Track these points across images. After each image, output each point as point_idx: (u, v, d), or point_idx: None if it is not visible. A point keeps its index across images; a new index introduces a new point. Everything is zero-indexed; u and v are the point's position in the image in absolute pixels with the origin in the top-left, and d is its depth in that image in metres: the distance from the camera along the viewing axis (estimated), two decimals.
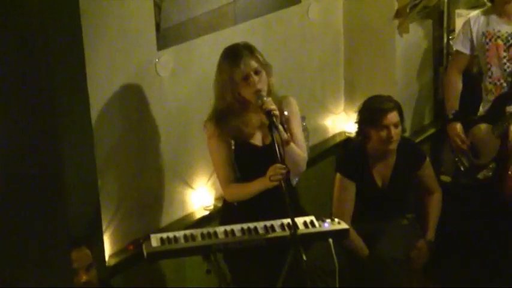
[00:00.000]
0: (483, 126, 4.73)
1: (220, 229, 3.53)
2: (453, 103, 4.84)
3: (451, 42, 5.32)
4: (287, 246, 3.45)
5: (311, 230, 3.54)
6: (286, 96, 3.88)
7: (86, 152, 3.71)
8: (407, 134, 4.62)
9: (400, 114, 4.29)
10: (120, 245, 4.08)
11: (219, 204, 4.41)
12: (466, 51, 4.80)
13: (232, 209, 3.84)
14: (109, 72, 3.87)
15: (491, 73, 4.71)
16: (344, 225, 3.59)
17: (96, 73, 3.78)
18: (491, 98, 4.73)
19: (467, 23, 4.79)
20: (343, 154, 4.78)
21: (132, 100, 4.03)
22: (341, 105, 5.36)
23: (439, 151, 5.11)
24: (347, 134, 5.29)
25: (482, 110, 4.82)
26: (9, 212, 2.83)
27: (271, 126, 3.50)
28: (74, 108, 3.62)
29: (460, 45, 4.82)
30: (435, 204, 4.49)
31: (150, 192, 4.20)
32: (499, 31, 4.68)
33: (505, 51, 4.66)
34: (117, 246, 4.07)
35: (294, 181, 3.95)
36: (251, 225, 3.55)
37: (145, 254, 3.43)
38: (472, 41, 4.77)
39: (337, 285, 3.56)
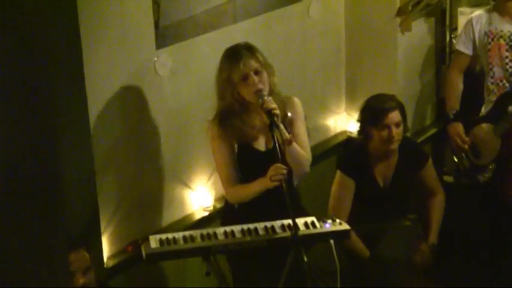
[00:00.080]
0: (484, 126, 4.74)
1: (220, 230, 3.54)
2: (454, 103, 4.85)
3: (453, 40, 5.32)
4: (288, 247, 3.46)
5: (312, 230, 3.55)
6: (289, 97, 3.88)
7: (84, 152, 3.71)
8: (408, 134, 4.62)
9: (403, 113, 4.28)
10: (119, 246, 4.09)
11: (219, 205, 4.42)
12: (468, 51, 4.81)
13: (234, 210, 3.85)
14: (107, 72, 3.88)
15: (493, 73, 4.72)
16: (345, 226, 3.59)
17: (94, 72, 3.79)
18: (493, 98, 4.73)
19: (469, 22, 4.80)
20: (345, 152, 4.78)
21: (131, 99, 4.03)
22: (342, 104, 5.36)
23: (441, 151, 5.11)
24: (348, 134, 5.29)
25: (484, 110, 4.82)
26: (6, 213, 2.84)
27: (271, 126, 3.51)
28: (72, 108, 3.62)
29: (461, 46, 4.83)
30: (438, 206, 4.48)
31: (149, 193, 4.21)
32: (501, 30, 4.68)
33: (507, 50, 4.66)
34: (116, 247, 4.08)
35: (295, 182, 3.96)
36: (251, 226, 3.55)
37: (144, 255, 3.43)
38: (474, 41, 4.77)
39: (338, 286, 3.56)
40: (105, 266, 3.97)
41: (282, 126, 3.59)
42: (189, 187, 4.39)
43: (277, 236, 3.52)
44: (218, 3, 4.32)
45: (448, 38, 5.42)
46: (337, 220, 3.61)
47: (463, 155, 4.81)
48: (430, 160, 4.49)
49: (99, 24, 3.79)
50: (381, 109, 4.25)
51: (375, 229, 4.36)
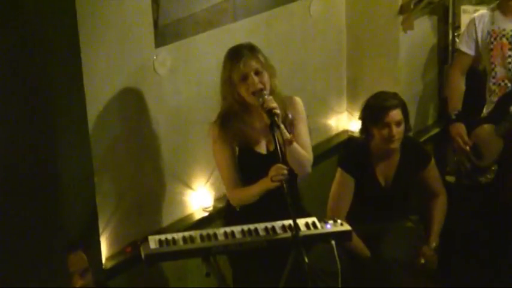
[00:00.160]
0: (486, 127, 4.74)
1: (220, 231, 3.54)
2: (456, 104, 4.86)
3: (456, 39, 5.32)
4: (289, 247, 3.46)
5: (313, 231, 3.55)
6: (290, 97, 3.88)
7: (83, 152, 3.72)
8: (410, 133, 4.62)
9: (404, 112, 4.28)
10: (118, 247, 4.09)
11: (219, 205, 4.42)
12: (470, 51, 4.81)
13: (235, 211, 3.86)
14: (106, 70, 3.88)
15: (495, 73, 4.72)
16: (347, 227, 3.59)
17: (93, 71, 3.79)
18: (495, 98, 4.74)
19: (471, 22, 4.80)
20: (346, 151, 4.78)
21: (130, 98, 4.03)
22: (344, 103, 5.36)
23: (444, 151, 5.11)
24: (350, 134, 5.30)
25: (485, 111, 4.83)
26: (3, 213, 2.84)
27: (272, 126, 3.52)
28: (70, 108, 3.63)
29: (464, 46, 4.83)
30: (440, 208, 4.47)
31: (148, 193, 4.21)
32: (504, 29, 4.68)
33: (510, 50, 4.66)
34: (115, 248, 4.08)
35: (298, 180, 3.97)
36: (251, 226, 3.56)
37: (143, 256, 3.43)
38: (476, 40, 4.78)
39: (339, 287, 3.57)
40: (103, 267, 3.97)
41: (282, 126, 3.60)
42: (189, 187, 4.39)
43: (277, 237, 3.52)
44: (218, 1, 4.32)
45: (450, 37, 5.42)
46: (339, 221, 3.61)
47: (465, 156, 4.81)
48: (433, 160, 4.48)
49: (98, 23, 3.79)
50: (381, 107, 4.25)
51: (376, 229, 4.36)
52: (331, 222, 3.60)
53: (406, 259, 4.31)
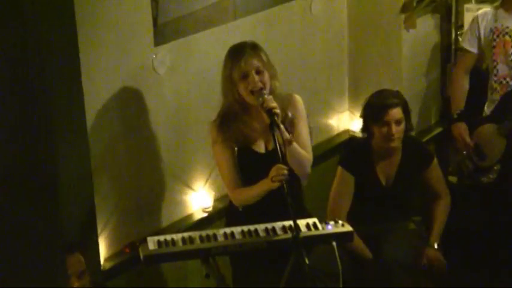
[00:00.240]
0: (489, 126, 4.75)
1: (220, 232, 3.54)
2: (458, 103, 4.87)
3: (459, 37, 5.32)
4: (289, 249, 3.46)
5: (314, 232, 3.55)
6: (290, 94, 3.88)
7: (81, 152, 3.71)
8: (413, 133, 4.62)
9: (405, 111, 4.28)
10: (116, 248, 4.09)
11: (219, 206, 4.42)
12: (474, 50, 4.82)
13: (238, 212, 3.86)
14: (105, 70, 3.88)
15: (497, 71, 4.73)
16: (348, 228, 3.59)
17: (92, 70, 3.79)
18: (497, 97, 4.74)
19: (475, 20, 4.82)
20: (347, 149, 4.78)
21: (129, 98, 4.03)
22: (345, 103, 5.36)
23: (446, 151, 5.11)
24: (351, 133, 5.29)
25: (487, 109, 4.84)
26: (0, 214, 2.84)
27: (272, 125, 3.52)
28: (68, 107, 3.62)
29: (467, 44, 4.84)
30: (442, 209, 4.45)
31: (147, 193, 4.21)
32: (507, 27, 4.69)
33: None
34: (113, 249, 4.08)
35: (304, 183, 3.97)
36: (251, 227, 3.55)
37: (142, 257, 3.43)
38: (479, 38, 4.79)
39: None
40: (102, 268, 3.97)
41: (282, 126, 3.60)
42: (189, 187, 4.39)
43: (277, 238, 3.52)
44: None
45: (453, 35, 5.42)
46: (340, 221, 3.61)
47: (467, 156, 4.82)
48: (436, 161, 4.47)
49: (96, 21, 3.79)
50: (381, 105, 4.25)
51: (377, 230, 4.35)
52: (332, 223, 3.60)
53: (408, 261, 4.31)
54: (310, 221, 3.60)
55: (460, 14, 5.38)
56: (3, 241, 3.29)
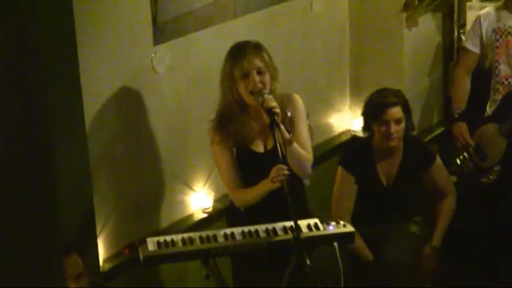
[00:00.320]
0: (490, 126, 4.76)
1: (220, 232, 3.53)
2: (460, 103, 4.88)
3: (462, 36, 5.32)
4: (290, 249, 3.46)
5: (315, 233, 3.55)
6: (289, 94, 3.87)
7: (79, 151, 3.72)
8: (414, 132, 4.62)
9: (406, 110, 4.28)
10: (115, 249, 4.08)
11: (219, 206, 4.42)
12: (476, 49, 4.83)
13: (238, 212, 3.85)
14: (104, 69, 3.87)
15: (499, 71, 4.74)
16: (350, 229, 3.58)
17: (90, 70, 3.78)
18: (498, 97, 4.76)
19: (477, 20, 4.83)
20: (348, 148, 4.78)
21: (128, 97, 4.03)
22: (346, 102, 5.36)
23: (449, 151, 5.11)
24: (352, 133, 5.29)
25: (488, 110, 4.84)
26: None
27: (272, 125, 3.51)
28: (67, 107, 3.63)
29: (469, 44, 4.85)
30: (446, 208, 4.46)
31: (146, 193, 4.20)
32: (510, 27, 4.70)
33: None
34: (112, 250, 4.07)
35: (307, 183, 3.97)
36: (252, 228, 3.55)
37: (141, 258, 3.43)
38: (482, 38, 4.79)
39: None
40: (101, 269, 3.96)
41: (282, 126, 3.59)
42: (188, 187, 4.39)
43: (278, 238, 3.51)
44: None
45: (456, 34, 5.42)
46: (341, 222, 3.61)
47: (467, 156, 4.82)
48: (438, 160, 4.47)
49: (95, 20, 3.79)
50: (381, 104, 4.25)
51: (379, 231, 4.35)
52: (333, 223, 3.59)
53: (409, 262, 4.31)
54: (312, 221, 3.60)
55: (462, 12, 5.38)
56: (1, 242, 3.28)
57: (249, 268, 3.88)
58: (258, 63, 3.67)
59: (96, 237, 3.91)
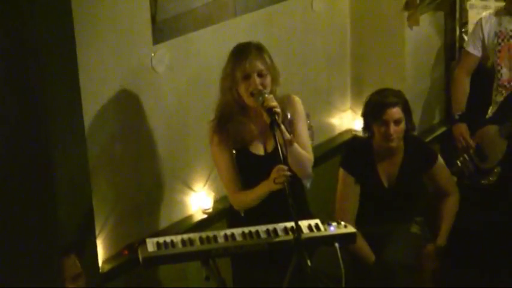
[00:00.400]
0: (490, 127, 4.77)
1: (220, 233, 3.53)
2: (460, 104, 4.90)
3: (464, 35, 5.32)
4: (291, 250, 3.46)
5: (316, 233, 3.54)
6: (289, 96, 3.87)
7: (78, 151, 3.71)
8: (416, 132, 4.62)
9: (406, 110, 4.28)
10: (115, 250, 4.08)
11: (219, 207, 4.42)
12: (477, 52, 4.86)
13: (238, 213, 3.85)
14: (103, 68, 3.87)
15: (501, 75, 4.77)
16: (351, 229, 3.58)
17: (89, 69, 3.78)
18: (500, 99, 4.79)
19: (478, 23, 4.85)
20: (348, 149, 4.79)
21: (127, 97, 4.02)
22: (347, 101, 5.36)
23: (451, 151, 5.11)
24: (354, 133, 5.29)
25: (490, 112, 4.85)
26: None
27: (272, 125, 3.51)
28: (65, 107, 3.62)
29: (470, 47, 4.88)
30: (449, 207, 4.46)
31: (146, 194, 4.20)
32: (511, 30, 4.71)
33: None
34: (111, 251, 4.07)
35: (308, 184, 3.96)
36: (252, 229, 3.55)
37: (141, 259, 3.43)
38: (483, 41, 4.81)
39: None
40: (100, 270, 3.96)
41: (282, 126, 3.59)
42: (188, 187, 4.38)
43: (279, 239, 3.51)
44: None
45: (458, 33, 5.42)
46: (342, 223, 3.60)
47: (467, 157, 4.83)
48: (440, 160, 4.47)
49: (94, 19, 3.78)
50: (380, 104, 4.25)
51: (380, 233, 4.35)
52: (334, 224, 3.59)
53: (410, 262, 4.31)
54: (312, 222, 3.60)
55: (464, 11, 5.37)
56: (0, 242, 3.28)
57: (249, 269, 3.88)
58: (260, 65, 3.68)
59: (95, 238, 3.91)
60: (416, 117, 4.44)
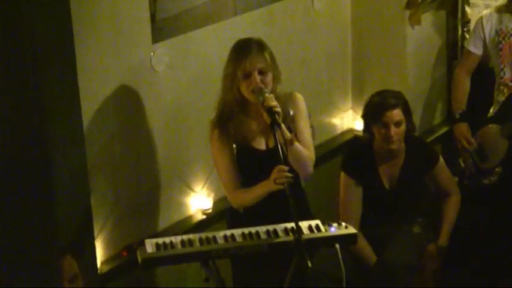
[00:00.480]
0: (492, 127, 4.77)
1: (220, 234, 3.53)
2: (460, 104, 4.90)
3: (466, 34, 5.32)
4: (291, 252, 3.45)
5: (316, 234, 3.54)
6: (291, 93, 3.88)
7: (76, 151, 3.71)
8: (417, 133, 4.62)
9: (406, 112, 4.27)
10: (113, 251, 4.08)
11: (219, 207, 4.41)
12: (477, 51, 4.85)
13: (239, 214, 3.85)
14: (102, 67, 3.87)
15: (504, 74, 4.76)
16: (352, 230, 3.58)
17: (87, 68, 3.78)
18: (502, 98, 4.77)
19: (479, 21, 4.84)
20: (349, 152, 4.79)
21: (126, 96, 4.02)
22: (349, 101, 5.35)
23: (453, 151, 5.11)
24: (355, 132, 5.28)
25: (492, 111, 4.84)
26: None
27: (272, 124, 3.51)
28: (64, 106, 3.62)
29: (471, 45, 4.87)
30: (451, 207, 4.48)
31: (145, 194, 4.20)
32: None
33: None
34: (110, 252, 4.07)
35: (302, 183, 3.96)
36: (252, 229, 3.55)
37: (140, 260, 3.42)
38: (484, 40, 4.80)
39: None
40: (98, 271, 3.96)
41: (283, 125, 3.59)
42: (188, 188, 4.38)
43: (279, 240, 3.50)
44: None
45: (460, 32, 5.41)
46: (343, 224, 3.60)
47: (469, 157, 4.82)
48: (441, 160, 4.47)
49: (92, 18, 3.78)
50: (380, 106, 4.25)
51: (382, 234, 4.35)
52: (335, 225, 3.58)
53: (413, 263, 4.31)
54: (313, 223, 3.59)
55: (466, 10, 5.36)
56: None
57: (249, 270, 3.87)
58: (260, 63, 3.67)
59: (93, 239, 3.90)
60: (417, 117, 4.44)
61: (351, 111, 5.35)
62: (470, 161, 4.83)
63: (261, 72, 3.67)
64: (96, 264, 3.93)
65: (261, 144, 3.79)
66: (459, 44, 5.42)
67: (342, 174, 4.36)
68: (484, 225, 4.82)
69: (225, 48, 3.81)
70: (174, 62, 4.18)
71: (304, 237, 3.44)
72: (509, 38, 4.73)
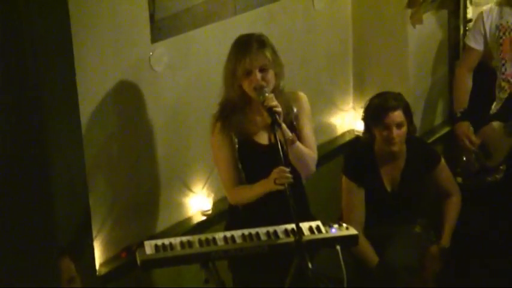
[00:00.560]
0: (495, 124, 4.76)
1: (220, 235, 3.52)
2: (462, 101, 4.90)
3: (467, 33, 5.31)
4: (292, 253, 3.45)
5: (317, 236, 3.53)
6: (295, 92, 3.88)
7: (75, 152, 3.71)
8: (420, 133, 4.61)
9: (407, 113, 4.27)
10: (112, 253, 4.08)
11: (219, 208, 4.41)
12: (478, 47, 4.84)
13: (238, 214, 3.85)
14: (100, 67, 3.86)
15: (505, 69, 4.75)
16: (353, 231, 3.57)
17: (86, 68, 3.77)
18: (504, 96, 4.75)
19: (479, 17, 4.84)
20: (350, 154, 4.80)
21: (125, 96, 4.02)
22: (349, 101, 5.35)
23: (454, 151, 5.10)
24: (356, 133, 5.28)
25: (494, 108, 4.84)
26: None
27: (273, 125, 3.50)
28: (62, 106, 3.62)
29: (472, 41, 4.86)
30: (452, 208, 4.48)
31: (144, 195, 4.19)
32: None
33: None
34: (109, 253, 4.06)
35: (304, 181, 3.96)
36: (252, 231, 3.54)
37: (138, 262, 3.42)
38: (485, 35, 4.80)
39: None
40: (97, 273, 3.96)
41: (284, 125, 3.58)
42: (187, 189, 4.37)
43: (279, 242, 3.50)
44: None
45: (462, 31, 5.41)
46: (344, 225, 3.59)
47: (472, 156, 4.82)
48: (443, 161, 4.48)
49: (91, 17, 3.78)
50: (381, 108, 4.25)
51: (383, 235, 4.35)
52: (336, 226, 3.58)
53: (414, 264, 4.31)
54: (314, 224, 3.59)
55: (468, 9, 5.36)
56: None
57: (249, 273, 3.87)
58: (261, 60, 3.66)
59: (92, 240, 3.90)
60: (418, 118, 4.43)
61: (351, 111, 5.35)
62: (474, 158, 4.82)
63: (262, 70, 3.66)
64: (94, 266, 3.93)
65: (263, 139, 3.79)
66: (461, 43, 5.42)
67: (344, 178, 4.36)
68: (485, 226, 4.81)
69: (225, 48, 3.80)
70: (173, 61, 4.18)
71: (304, 238, 3.43)
72: (509, 33, 4.73)
